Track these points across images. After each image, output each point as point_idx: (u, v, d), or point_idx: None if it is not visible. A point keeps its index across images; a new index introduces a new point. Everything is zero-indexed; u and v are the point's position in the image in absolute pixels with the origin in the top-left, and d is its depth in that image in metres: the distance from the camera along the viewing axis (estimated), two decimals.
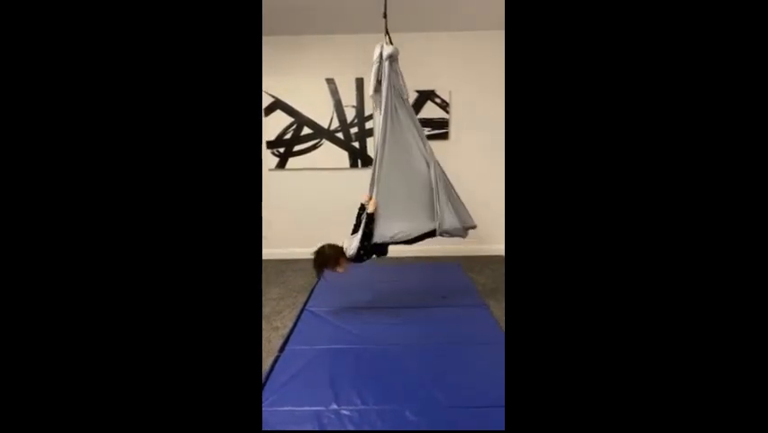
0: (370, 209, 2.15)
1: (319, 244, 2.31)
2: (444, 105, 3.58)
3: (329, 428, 1.46)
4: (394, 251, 2.45)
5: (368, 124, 3.62)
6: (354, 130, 3.64)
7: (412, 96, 3.46)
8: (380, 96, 2.15)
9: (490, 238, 3.77)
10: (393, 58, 2.09)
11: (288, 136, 3.65)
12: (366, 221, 2.16)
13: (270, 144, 3.66)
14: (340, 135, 3.65)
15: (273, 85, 3.56)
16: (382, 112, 2.14)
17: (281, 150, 3.67)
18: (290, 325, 2.31)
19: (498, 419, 1.47)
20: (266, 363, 1.89)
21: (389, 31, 2.16)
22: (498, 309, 2.47)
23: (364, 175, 3.65)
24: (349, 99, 3.58)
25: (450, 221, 2.23)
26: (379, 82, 2.15)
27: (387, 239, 2.19)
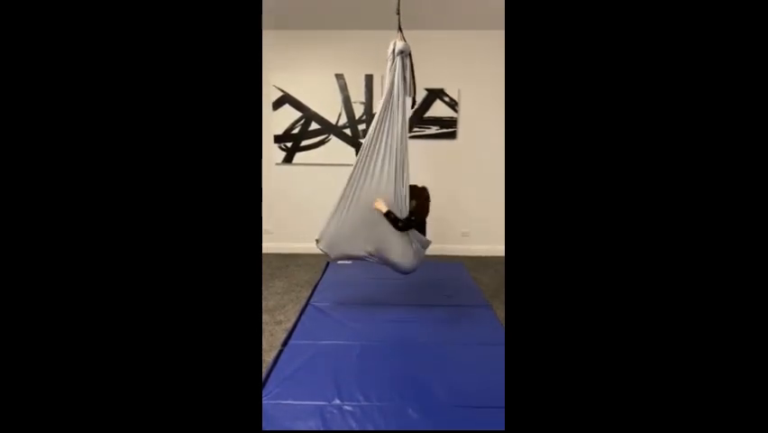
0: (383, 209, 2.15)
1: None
2: (453, 104, 3.56)
3: (331, 423, 1.46)
4: None
5: None
6: (362, 126, 3.63)
7: (421, 94, 3.45)
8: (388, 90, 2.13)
9: (495, 239, 3.76)
10: (403, 53, 2.08)
11: (295, 131, 3.65)
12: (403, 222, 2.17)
13: (278, 138, 3.66)
14: (348, 132, 3.64)
15: (282, 79, 3.55)
16: (381, 104, 2.12)
17: (288, 144, 3.67)
18: (294, 319, 2.32)
19: (499, 418, 1.47)
20: (269, 357, 1.90)
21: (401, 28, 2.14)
22: (501, 310, 2.46)
23: None
24: (357, 95, 3.57)
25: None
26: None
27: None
